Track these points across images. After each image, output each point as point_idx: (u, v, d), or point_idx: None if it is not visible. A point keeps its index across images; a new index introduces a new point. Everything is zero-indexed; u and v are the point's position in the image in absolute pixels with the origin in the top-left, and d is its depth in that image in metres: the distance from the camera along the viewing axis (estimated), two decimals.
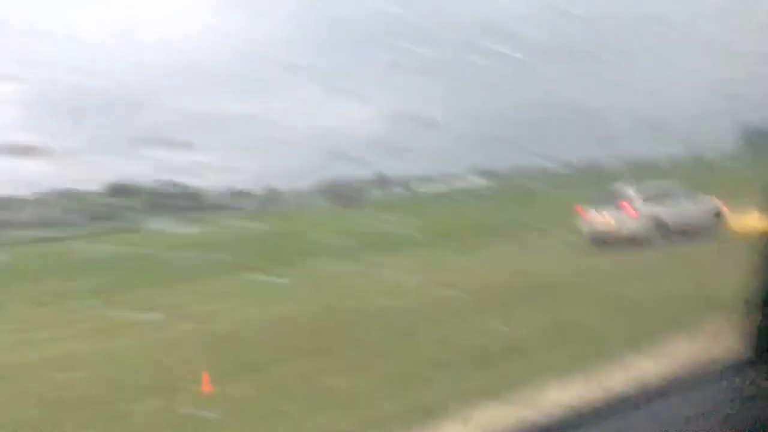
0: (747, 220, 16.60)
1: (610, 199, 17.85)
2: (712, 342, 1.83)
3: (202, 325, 10.33)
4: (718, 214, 17.99)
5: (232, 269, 15.25)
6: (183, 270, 16.50)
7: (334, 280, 14.27)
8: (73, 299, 13.15)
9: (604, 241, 17.36)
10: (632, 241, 16.69)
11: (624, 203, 17.41)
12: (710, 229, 17.48)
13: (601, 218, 17.56)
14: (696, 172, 21.58)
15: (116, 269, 15.97)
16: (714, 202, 18.20)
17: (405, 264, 15.56)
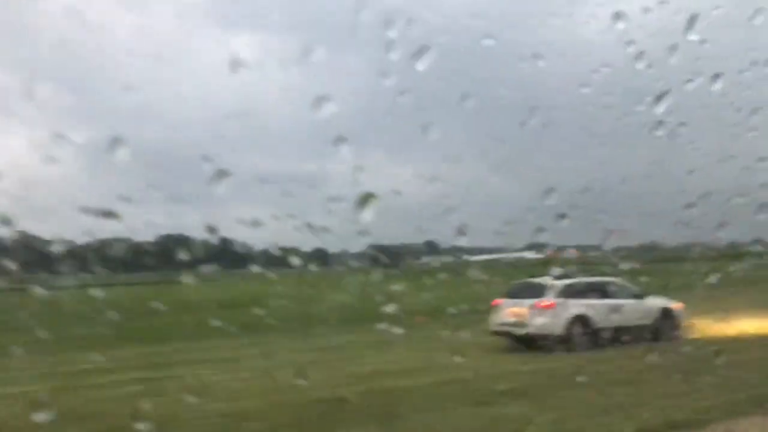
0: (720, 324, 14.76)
1: (530, 290, 15.43)
2: None
3: None
4: (666, 314, 15.61)
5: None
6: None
7: None
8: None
9: (514, 338, 15.23)
10: (547, 340, 14.29)
11: (540, 296, 15.01)
12: (659, 331, 15.20)
13: (514, 311, 15.14)
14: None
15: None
16: (664, 300, 15.86)
17: None
